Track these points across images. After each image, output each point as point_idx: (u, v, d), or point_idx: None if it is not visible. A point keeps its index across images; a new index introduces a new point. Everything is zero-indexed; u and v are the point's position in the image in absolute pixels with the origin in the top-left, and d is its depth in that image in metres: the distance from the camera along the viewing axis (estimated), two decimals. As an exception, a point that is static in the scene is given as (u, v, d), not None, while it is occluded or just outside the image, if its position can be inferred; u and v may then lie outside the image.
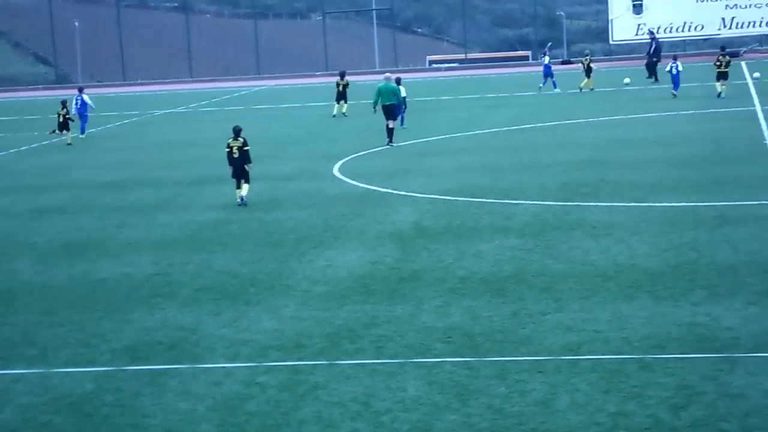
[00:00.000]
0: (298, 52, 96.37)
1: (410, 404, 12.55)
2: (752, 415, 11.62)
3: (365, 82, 58.91)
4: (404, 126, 39.87)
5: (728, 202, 23.07)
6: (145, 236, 23.36)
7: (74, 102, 43.84)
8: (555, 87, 53.43)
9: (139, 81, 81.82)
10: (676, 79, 46.51)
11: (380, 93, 36.70)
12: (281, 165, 32.71)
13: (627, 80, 52.81)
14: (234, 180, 26.29)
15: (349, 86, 47.16)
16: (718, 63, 45.61)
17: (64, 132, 42.60)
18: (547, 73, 53.96)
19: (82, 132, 43.88)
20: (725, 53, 46.56)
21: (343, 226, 23.11)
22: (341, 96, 46.83)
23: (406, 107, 40.24)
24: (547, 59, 55.19)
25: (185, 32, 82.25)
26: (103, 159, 37.45)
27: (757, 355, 13.43)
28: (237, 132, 26.28)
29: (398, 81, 39.12)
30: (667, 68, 47.55)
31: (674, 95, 46.11)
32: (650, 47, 55.76)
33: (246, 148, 26.03)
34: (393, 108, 36.49)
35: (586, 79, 52.55)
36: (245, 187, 26.16)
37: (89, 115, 44.78)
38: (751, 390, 12.29)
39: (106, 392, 13.59)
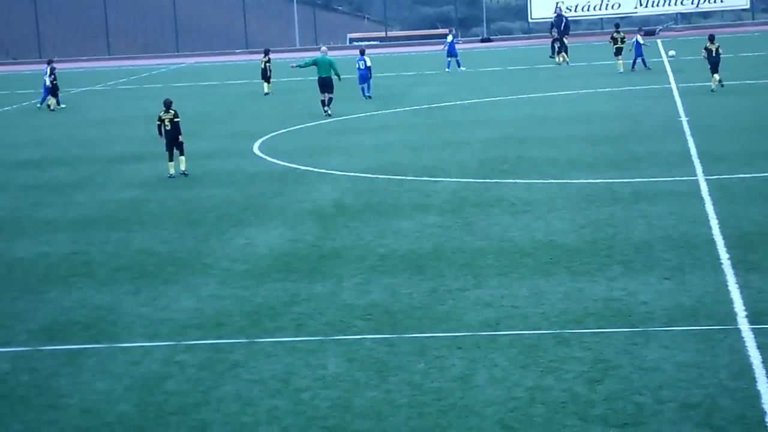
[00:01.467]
0: (217, 29, 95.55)
1: (330, 381, 12.59)
2: (666, 387, 11.83)
3: (285, 59, 58.60)
4: (369, 94, 41.99)
5: (644, 179, 23.39)
6: (62, 215, 23.10)
7: (45, 74, 44.54)
8: (449, 67, 52.88)
9: (55, 58, 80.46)
10: (639, 52, 46.86)
11: (316, 64, 37.72)
12: (201, 143, 32.47)
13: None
14: (167, 153, 26.68)
15: (271, 63, 46.48)
16: (613, 40, 47.56)
17: (53, 99, 44.26)
18: (453, 52, 53.08)
19: (40, 103, 44.88)
20: (619, 30, 48.31)
21: (264, 204, 23.06)
22: (266, 74, 46.27)
23: (371, 76, 42.45)
24: (450, 38, 54.16)
25: (102, 9, 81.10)
26: (18, 137, 36.89)
27: (671, 329, 13.67)
28: (168, 105, 26.76)
29: (362, 51, 42.42)
30: (632, 41, 47.82)
31: (634, 70, 46.69)
32: (561, 24, 55.80)
33: (177, 119, 26.52)
34: (328, 80, 37.41)
35: (562, 55, 52.99)
36: (182, 159, 26.75)
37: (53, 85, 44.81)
38: (665, 363, 12.51)
39: (22, 373, 13.45)
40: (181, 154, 26.78)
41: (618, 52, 47.14)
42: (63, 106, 44.83)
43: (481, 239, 18.92)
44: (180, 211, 22.77)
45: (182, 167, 26.83)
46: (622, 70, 46.50)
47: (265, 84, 46.10)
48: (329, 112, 37.39)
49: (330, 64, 37.50)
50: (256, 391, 12.44)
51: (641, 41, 47.27)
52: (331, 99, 37.65)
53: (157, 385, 12.76)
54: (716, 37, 39.18)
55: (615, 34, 47.60)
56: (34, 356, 14.07)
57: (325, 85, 37.58)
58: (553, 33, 54.69)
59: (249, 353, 13.70)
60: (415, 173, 25.59)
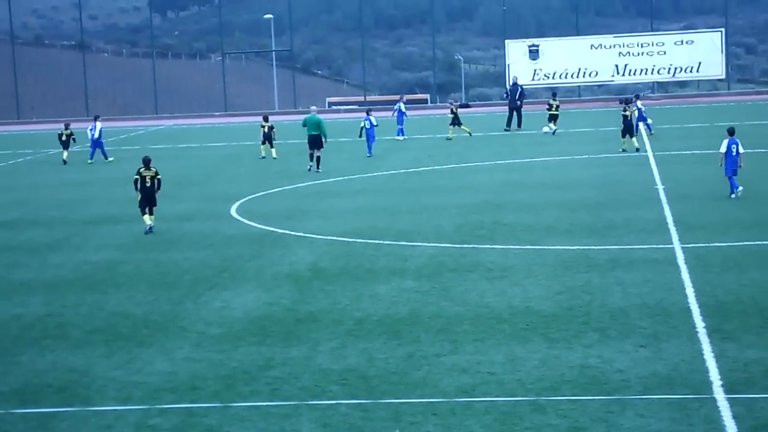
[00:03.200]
0: (197, 92, 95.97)
1: (304, 447, 12.49)
2: (642, 456, 11.78)
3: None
4: (370, 154, 44.46)
5: (620, 246, 23.46)
6: (36, 277, 22.98)
7: (89, 129, 47.78)
8: (400, 134, 51.64)
9: (33, 119, 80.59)
10: (641, 117, 47.81)
11: (305, 124, 40.16)
12: (178, 205, 32.46)
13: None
14: (140, 209, 27.65)
15: (275, 129, 46.05)
16: (549, 106, 51.95)
17: (65, 152, 47.52)
18: (370, 134, 48.36)
19: (91, 157, 47.41)
20: (555, 98, 52.72)
21: (240, 267, 23.00)
22: (267, 138, 45.64)
23: (374, 136, 45.28)
24: (403, 106, 53.06)
25: (82, 70, 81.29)
26: (-5, 197, 36.75)
27: (646, 397, 13.64)
28: (148, 162, 27.92)
29: (368, 111, 45.86)
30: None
31: (651, 134, 47.52)
32: (516, 93, 55.87)
33: (159, 176, 27.72)
34: (317, 138, 39.60)
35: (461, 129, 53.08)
36: (151, 217, 27.66)
37: (103, 141, 48.07)
38: None
39: (-8, 436, 13.29)
40: (151, 212, 27.67)
41: (552, 117, 51.12)
42: (65, 159, 47.39)
43: (457, 305, 18.90)
44: (156, 274, 22.68)
45: (151, 222, 27.67)
46: (553, 133, 50.30)
47: (272, 149, 45.34)
48: (319, 170, 39.31)
49: (318, 124, 39.76)
50: (230, 456, 12.32)
51: (641, 107, 48.18)
52: (319, 158, 39.71)
53: (129, 450, 12.62)
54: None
55: (551, 102, 51.79)
56: (5, 420, 13.91)
57: (314, 142, 39.69)
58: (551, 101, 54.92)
59: (223, 418, 13.59)
60: (392, 237, 25.60)
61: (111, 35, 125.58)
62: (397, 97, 61.16)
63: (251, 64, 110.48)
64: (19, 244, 27.16)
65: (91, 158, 47.29)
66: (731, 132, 30.01)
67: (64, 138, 47.99)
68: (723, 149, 29.69)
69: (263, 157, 45.54)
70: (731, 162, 29.58)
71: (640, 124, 47.41)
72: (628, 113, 41.92)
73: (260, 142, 46.20)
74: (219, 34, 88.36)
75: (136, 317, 18.98)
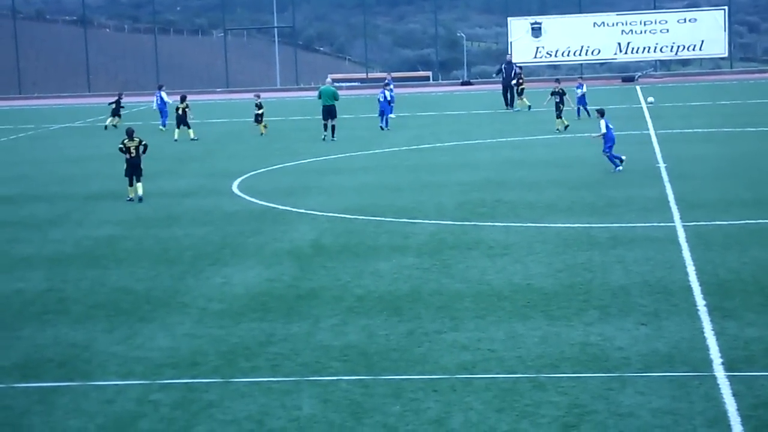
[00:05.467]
0: (198, 68, 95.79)
1: (305, 423, 12.53)
2: (641, 433, 11.80)
3: (266, 99, 58.54)
4: (388, 128, 45.24)
5: (621, 224, 23.45)
6: (37, 252, 22.99)
7: (155, 98, 50.11)
8: (391, 112, 48.47)
9: (35, 94, 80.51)
10: (582, 102, 47.07)
11: (321, 95, 42.31)
12: (179, 181, 32.46)
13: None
14: (127, 179, 28.80)
15: (190, 109, 45.03)
16: (518, 84, 53.80)
17: (115, 118, 50.71)
18: (384, 108, 46.34)
19: (163, 125, 48.30)
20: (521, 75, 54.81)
21: (241, 243, 23.01)
22: (181, 120, 44.43)
23: (391, 110, 47.16)
24: (388, 94, 49.76)
25: (83, 46, 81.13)
26: (-4, 173, 36.75)
27: (646, 375, 13.66)
28: (131, 133, 28.99)
29: (385, 86, 47.37)
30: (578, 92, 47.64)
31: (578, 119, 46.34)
32: (512, 72, 55.02)
33: (144, 143, 28.83)
34: (331, 108, 41.90)
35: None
36: (139, 186, 28.65)
37: (166, 110, 49.07)
38: (641, 409, 12.49)
39: (-6, 410, 13.32)
40: (138, 180, 28.61)
41: (520, 92, 53.14)
42: (114, 125, 49.69)
43: (458, 282, 18.91)
44: (157, 250, 22.70)
45: (140, 192, 28.60)
46: (519, 109, 52.38)
47: (187, 130, 44.30)
48: (334, 138, 41.48)
49: (333, 94, 41.86)
50: (231, 431, 12.35)
51: (586, 90, 47.73)
52: (334, 126, 41.82)
53: (130, 424, 12.66)
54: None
55: (520, 80, 53.84)
56: (6, 394, 13.94)
57: (328, 112, 41.96)
58: (519, 79, 54.39)
59: (224, 393, 13.62)
60: (393, 215, 25.60)
61: (113, 10, 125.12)
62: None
63: (253, 40, 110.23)
64: (20, 219, 27.18)
65: (164, 126, 47.99)
66: (602, 113, 31.80)
67: (114, 107, 51.01)
68: (604, 129, 31.22)
69: (176, 140, 44.11)
70: (611, 139, 31.20)
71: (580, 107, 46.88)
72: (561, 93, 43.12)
73: (177, 125, 44.67)
74: (221, 10, 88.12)
75: (137, 293, 19.01)
